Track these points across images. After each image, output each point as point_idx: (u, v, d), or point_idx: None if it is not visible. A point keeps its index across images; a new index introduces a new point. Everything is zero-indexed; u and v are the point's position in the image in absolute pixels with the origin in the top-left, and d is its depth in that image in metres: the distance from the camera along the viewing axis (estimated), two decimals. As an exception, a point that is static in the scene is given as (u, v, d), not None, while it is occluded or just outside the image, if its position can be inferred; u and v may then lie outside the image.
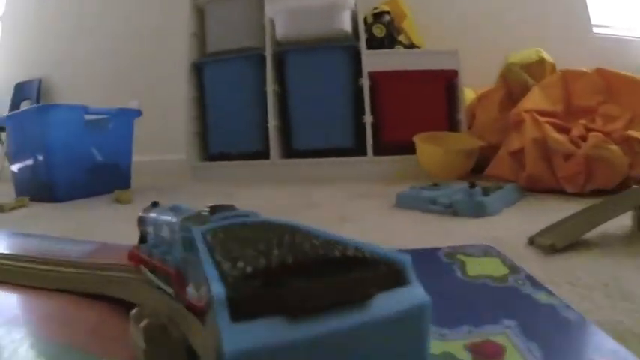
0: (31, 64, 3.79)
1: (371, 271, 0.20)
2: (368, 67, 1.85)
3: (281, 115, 2.01)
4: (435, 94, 1.85)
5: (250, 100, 2.03)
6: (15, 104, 3.18)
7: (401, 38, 1.98)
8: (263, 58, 1.97)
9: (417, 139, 1.65)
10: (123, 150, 1.93)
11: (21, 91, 3.38)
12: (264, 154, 2.01)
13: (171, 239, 0.36)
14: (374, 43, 1.90)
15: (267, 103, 1.98)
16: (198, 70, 2.12)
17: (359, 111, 1.88)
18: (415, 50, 1.99)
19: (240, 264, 0.20)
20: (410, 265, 0.20)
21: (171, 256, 0.35)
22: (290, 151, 2.02)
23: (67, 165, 1.69)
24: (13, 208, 1.48)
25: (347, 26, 1.87)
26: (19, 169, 1.88)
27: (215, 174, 2.10)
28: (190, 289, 0.30)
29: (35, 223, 1.21)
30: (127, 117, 1.93)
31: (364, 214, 1.01)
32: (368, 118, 1.84)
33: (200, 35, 2.19)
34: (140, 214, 0.44)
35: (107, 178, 1.80)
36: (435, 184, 1.13)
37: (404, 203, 1.06)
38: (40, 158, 1.70)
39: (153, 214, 0.41)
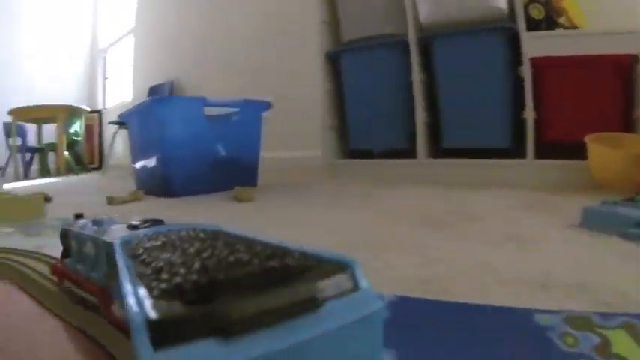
0: (162, 69, 4.15)
1: (315, 279, 0.18)
2: (529, 53, 1.63)
3: (429, 108, 1.87)
4: (608, 85, 1.54)
5: (394, 92, 1.94)
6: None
7: (561, 20, 1.68)
8: (406, 46, 1.85)
9: (589, 140, 1.41)
10: (250, 145, 1.92)
11: (154, 94, 3.76)
12: (409, 153, 1.89)
13: (96, 255, 0.35)
14: (530, 27, 1.66)
15: (414, 96, 1.86)
16: (333, 60, 2.02)
17: (517, 105, 1.67)
18: (585, 31, 1.69)
19: (165, 277, 0.19)
20: (359, 268, 0.19)
21: (96, 272, 0.34)
22: (438, 150, 1.88)
23: (186, 159, 1.71)
24: (125, 202, 1.53)
25: (502, 4, 1.66)
26: (139, 164, 1.89)
27: (353, 173, 2.05)
28: (116, 307, 0.30)
29: (141, 216, 1.21)
30: (254, 109, 1.91)
31: (539, 235, 0.81)
32: (529, 114, 1.62)
33: (333, 23, 2.16)
34: (63, 227, 0.44)
35: (231, 174, 1.79)
36: (631, 199, 0.87)
37: (593, 222, 0.82)
38: (158, 152, 1.74)
39: (76, 228, 0.41)
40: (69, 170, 4.84)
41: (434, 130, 1.88)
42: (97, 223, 0.39)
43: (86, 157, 5.65)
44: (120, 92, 5.74)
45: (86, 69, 6.49)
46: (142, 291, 0.18)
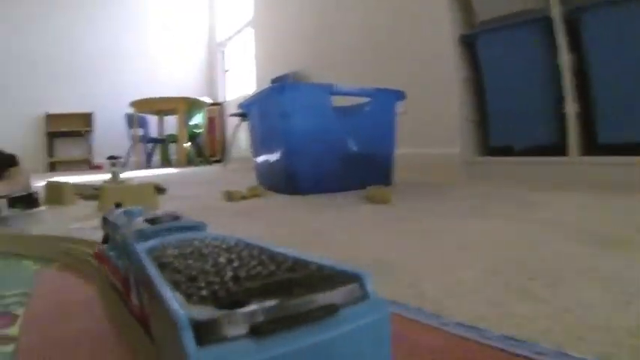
0: (284, 60, 4.18)
1: (332, 288, 0.22)
2: None
3: (581, 96, 1.67)
4: None
5: (539, 78, 1.77)
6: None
7: None
8: (550, 23, 1.67)
9: None
10: (383, 138, 1.78)
11: (277, 86, 3.74)
12: (556, 149, 1.71)
13: (121, 244, 0.38)
14: None
15: (562, 82, 1.67)
16: (468, 44, 1.83)
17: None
18: None
19: (201, 284, 0.22)
20: (369, 279, 0.23)
21: (121, 262, 0.38)
22: (592, 146, 1.66)
23: (312, 153, 1.64)
24: (244, 198, 1.49)
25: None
26: (260, 157, 1.81)
27: (494, 172, 1.89)
28: (134, 296, 0.33)
29: (259, 215, 1.19)
30: (387, 99, 1.78)
31: None
32: None
33: (466, 2, 2.00)
34: (104, 215, 0.47)
35: (362, 171, 1.67)
36: None
37: None
38: (281, 144, 1.67)
39: (112, 217, 0.44)
40: (189, 162, 5.05)
41: (586, 122, 1.68)
42: (127, 212, 0.43)
43: (207, 149, 5.86)
44: (241, 85, 5.99)
45: (205, 62, 6.95)
46: (179, 296, 0.21)
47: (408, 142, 2.43)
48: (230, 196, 1.46)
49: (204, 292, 0.21)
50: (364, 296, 0.22)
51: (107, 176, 2.46)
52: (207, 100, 5.59)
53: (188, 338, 0.17)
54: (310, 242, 0.81)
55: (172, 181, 2.53)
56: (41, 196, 1.39)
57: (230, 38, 6.38)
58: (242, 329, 0.18)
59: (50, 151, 6.13)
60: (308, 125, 1.59)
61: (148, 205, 1.25)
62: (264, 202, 1.41)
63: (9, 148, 1.46)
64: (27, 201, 1.18)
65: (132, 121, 5.38)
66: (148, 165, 5.41)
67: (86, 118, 6.13)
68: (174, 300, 0.20)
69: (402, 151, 2.10)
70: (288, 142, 1.61)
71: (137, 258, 0.29)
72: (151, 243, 0.32)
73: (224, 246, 0.30)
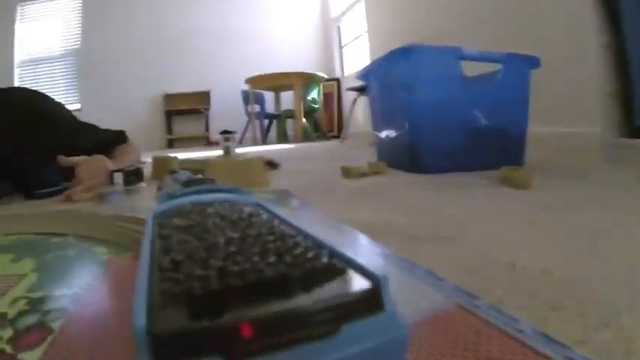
0: (400, 32, 4.15)
1: (339, 296, 0.17)
2: None
3: None
4: None
5: None
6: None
7: None
8: None
9: None
10: (515, 112, 1.58)
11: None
12: None
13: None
14: None
15: None
16: (609, 4, 1.63)
17: None
18: None
19: (180, 276, 0.18)
20: (387, 286, 0.18)
21: None
22: None
23: (439, 127, 1.49)
24: (364, 175, 1.40)
25: None
26: (381, 131, 1.77)
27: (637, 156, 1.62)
28: None
29: (376, 196, 1.05)
30: (521, 66, 1.57)
31: None
32: None
33: None
34: (158, 184, 0.49)
35: (493, 149, 1.52)
36: None
37: None
38: (403, 117, 1.55)
39: (163, 185, 0.45)
40: (306, 137, 5.16)
41: None
42: (174, 179, 0.42)
43: (324, 124, 5.93)
44: (358, 61, 5.91)
45: (320, 38, 6.98)
46: (154, 289, 0.18)
47: (538, 119, 2.24)
48: (348, 173, 1.37)
49: (179, 289, 0.17)
50: (378, 308, 0.17)
51: (220, 152, 2.47)
52: (323, 75, 5.63)
53: (143, 353, 0.14)
54: (441, 237, 0.63)
55: (288, 157, 2.51)
56: (148, 170, 1.43)
57: (344, 13, 6.32)
58: (214, 349, 0.14)
59: (169, 129, 6.57)
60: (435, 95, 1.44)
61: (257, 181, 1.23)
62: (385, 181, 1.29)
63: (131, 126, 1.55)
64: (136, 175, 1.22)
65: (248, 97, 5.53)
66: (264, 141, 5.54)
67: (203, 96, 6.46)
68: (142, 300, 0.16)
69: (531, 128, 1.93)
70: (413, 113, 1.48)
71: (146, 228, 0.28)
72: (163, 207, 0.31)
73: (234, 217, 0.27)
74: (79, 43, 6.61)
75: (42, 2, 6.66)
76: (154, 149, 5.17)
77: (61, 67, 6.66)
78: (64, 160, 1.12)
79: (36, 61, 6.66)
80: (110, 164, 1.20)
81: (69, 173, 1.17)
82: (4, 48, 6.51)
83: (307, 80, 5.35)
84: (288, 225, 0.25)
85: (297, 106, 5.16)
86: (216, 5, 6.60)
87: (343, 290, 0.17)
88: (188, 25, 6.54)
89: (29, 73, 6.55)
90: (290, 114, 5.50)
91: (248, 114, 5.62)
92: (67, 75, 6.65)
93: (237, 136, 2.50)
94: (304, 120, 5.28)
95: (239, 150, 2.79)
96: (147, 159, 1.68)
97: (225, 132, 2.31)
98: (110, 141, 1.43)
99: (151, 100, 6.52)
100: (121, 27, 6.50)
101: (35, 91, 1.35)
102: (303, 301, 0.16)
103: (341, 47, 6.61)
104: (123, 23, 6.50)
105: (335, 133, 5.97)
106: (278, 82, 5.35)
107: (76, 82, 6.59)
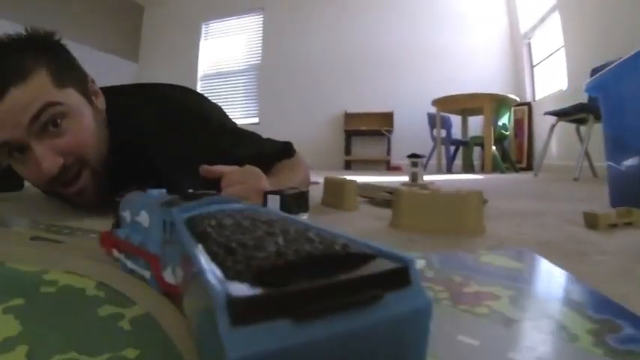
0: (604, 45, 3.55)
1: (378, 271, 0.21)
2: None
3: None
4: None
5: None
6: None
7: None
8: None
9: None
10: None
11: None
12: None
13: (150, 223, 0.41)
14: None
15: None
16: None
17: None
18: None
19: (240, 258, 0.22)
20: (414, 265, 0.22)
21: (150, 240, 0.39)
22: None
23: None
24: (614, 225, 0.99)
25: None
26: (623, 160, 1.30)
27: None
28: (167, 273, 0.35)
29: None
30: None
31: None
32: None
33: None
34: (117, 198, 0.49)
35: None
36: None
37: None
38: None
39: (129, 199, 0.46)
40: (495, 167, 4.69)
41: None
42: (148, 195, 0.44)
43: (514, 153, 5.41)
44: (551, 81, 5.47)
45: (509, 56, 6.47)
46: (217, 270, 0.21)
47: None
48: (594, 222, 0.98)
49: (243, 267, 0.20)
50: (407, 283, 0.21)
51: (405, 178, 2.24)
52: (515, 98, 5.15)
53: (223, 317, 0.17)
54: None
55: (486, 191, 2.11)
56: (314, 195, 1.12)
57: (535, 27, 5.81)
58: (282, 310, 0.18)
59: (347, 150, 6.59)
60: None
61: (471, 225, 0.88)
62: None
63: (307, 144, 1.33)
64: (298, 201, 0.93)
65: (434, 120, 5.33)
66: (449, 169, 5.28)
67: (385, 118, 6.40)
68: (211, 274, 0.20)
69: None
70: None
71: (176, 230, 0.30)
72: (190, 214, 0.32)
73: (263, 219, 0.30)
74: (259, 59, 7.01)
75: (224, 21, 7.35)
76: (329, 170, 5.17)
77: (241, 81, 7.31)
78: (207, 169, 0.88)
79: (217, 76, 7.30)
80: (266, 182, 0.92)
81: (210, 187, 0.91)
82: (191, 63, 7.26)
83: (498, 103, 5.00)
84: (318, 228, 0.27)
85: (487, 132, 4.84)
86: (398, 23, 6.56)
87: (382, 267, 0.21)
88: (369, 42, 6.62)
89: (211, 86, 7.17)
90: (479, 141, 5.19)
91: (434, 139, 5.43)
92: (247, 89, 7.19)
93: (423, 161, 2.25)
94: (493, 148, 4.92)
95: (424, 178, 2.47)
96: (317, 179, 1.49)
97: (413, 155, 2.09)
98: (274, 153, 1.20)
99: (330, 118, 6.63)
100: (301, 44, 6.81)
101: (186, 87, 1.23)
102: (350, 273, 0.21)
103: (532, 67, 6.10)
104: (303, 40, 6.82)
105: (523, 164, 5.57)
106: (466, 104, 5.11)
107: (255, 97, 7.01)
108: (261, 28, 7.29)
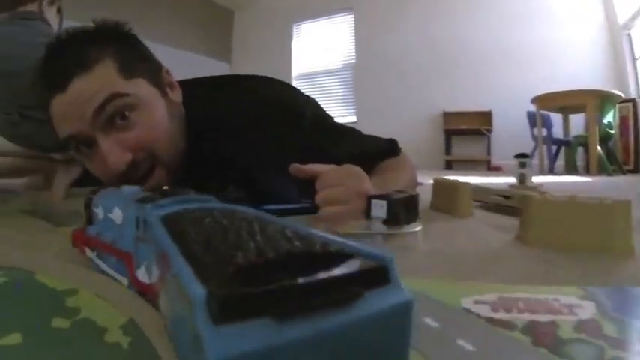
0: None
1: (358, 269, 0.21)
2: None
3: None
4: None
5: None
6: None
7: None
8: None
9: None
10: None
11: None
12: None
13: (124, 220, 0.40)
14: None
15: None
16: None
17: None
18: None
19: (219, 257, 0.22)
20: (393, 263, 0.22)
21: (123, 238, 0.39)
22: None
23: None
24: None
25: None
26: None
27: None
28: (141, 271, 0.34)
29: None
30: None
31: None
32: None
33: None
34: (89, 195, 0.49)
35: None
36: None
37: None
38: None
39: (102, 196, 0.45)
40: (601, 169, 4.38)
41: None
42: (120, 191, 0.44)
43: (620, 154, 5.04)
44: None
45: (607, 49, 5.97)
46: (196, 269, 0.20)
47: None
48: None
49: (222, 265, 0.20)
50: (387, 281, 0.22)
51: (510, 180, 2.08)
52: (620, 94, 4.81)
53: (202, 315, 0.17)
54: None
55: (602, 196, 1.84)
56: (422, 197, 0.99)
57: (634, 17, 5.31)
58: (263, 309, 0.18)
59: (447, 149, 6.42)
60: None
61: (616, 241, 0.70)
62: None
63: (409, 144, 1.22)
64: (407, 208, 0.77)
65: (534, 119, 5.10)
66: (551, 170, 5.02)
67: (484, 117, 6.18)
68: (190, 273, 0.20)
69: None
70: None
71: (152, 228, 0.30)
72: (166, 211, 0.32)
73: (241, 217, 0.29)
74: (354, 57, 7.02)
75: (314, 21, 7.69)
76: (430, 170, 5.02)
77: (337, 80, 7.41)
78: (297, 168, 0.77)
79: (312, 75, 7.42)
80: (369, 184, 0.78)
81: (305, 188, 0.87)
82: (284, 62, 7.43)
83: (602, 100, 4.67)
84: (298, 227, 0.27)
85: (592, 131, 4.55)
86: (489, 19, 6.33)
87: (361, 266, 0.22)
88: (460, 39, 6.45)
89: (306, 85, 7.29)
90: (582, 140, 4.89)
91: (534, 138, 5.19)
92: (344, 88, 7.21)
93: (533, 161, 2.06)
94: (598, 148, 4.60)
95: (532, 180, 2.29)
96: (422, 180, 1.40)
97: (521, 155, 1.95)
98: (378, 152, 1.05)
99: (428, 117, 6.53)
100: (393, 42, 6.82)
101: (279, 80, 1.09)
102: (331, 272, 0.21)
103: (634, 60, 5.60)
104: (396, 39, 6.78)
105: (630, 166, 5.12)
106: (568, 101, 4.85)
107: (352, 96, 7.01)
108: (353, 28, 7.34)
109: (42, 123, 0.92)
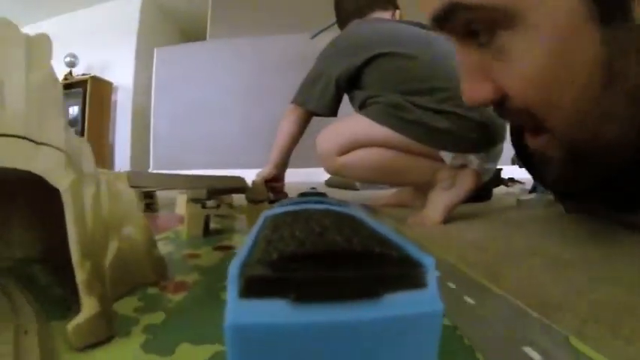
0: None
1: (386, 270, 0.22)
2: None
3: None
4: None
5: None
6: None
7: None
8: None
9: None
10: None
11: None
12: None
13: None
14: None
15: None
16: None
17: None
18: None
19: (275, 247, 0.24)
20: (432, 268, 0.22)
21: None
22: None
23: None
24: None
25: None
26: None
27: None
28: None
29: None
30: None
31: None
32: None
33: None
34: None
35: None
36: None
37: None
38: None
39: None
40: None
41: None
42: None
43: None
44: None
45: None
46: (254, 253, 0.23)
47: None
48: None
49: (271, 252, 0.22)
50: (421, 285, 0.21)
51: None
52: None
53: (232, 288, 0.20)
54: None
55: None
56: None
57: None
58: (286, 291, 0.20)
59: None
60: None
61: None
62: None
63: None
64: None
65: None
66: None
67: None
68: (242, 255, 0.22)
69: None
70: None
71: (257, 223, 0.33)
72: (285, 209, 0.35)
73: (334, 218, 0.31)
74: None
75: None
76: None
77: None
78: None
79: None
80: None
81: None
82: None
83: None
84: (372, 226, 0.28)
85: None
86: None
87: (392, 265, 0.22)
88: None
89: None
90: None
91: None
92: None
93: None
94: None
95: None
96: None
97: None
98: None
99: None
100: None
101: None
102: (355, 269, 0.21)
103: None
104: None
105: None
106: None
107: None
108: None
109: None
